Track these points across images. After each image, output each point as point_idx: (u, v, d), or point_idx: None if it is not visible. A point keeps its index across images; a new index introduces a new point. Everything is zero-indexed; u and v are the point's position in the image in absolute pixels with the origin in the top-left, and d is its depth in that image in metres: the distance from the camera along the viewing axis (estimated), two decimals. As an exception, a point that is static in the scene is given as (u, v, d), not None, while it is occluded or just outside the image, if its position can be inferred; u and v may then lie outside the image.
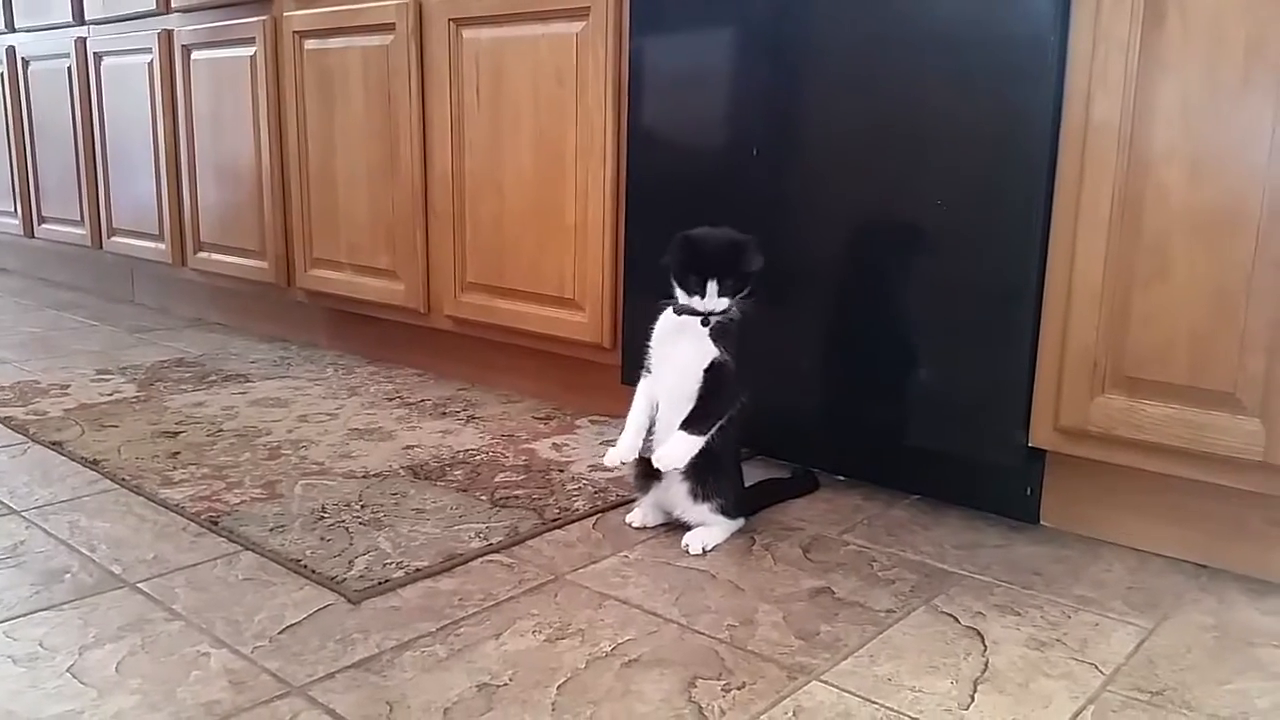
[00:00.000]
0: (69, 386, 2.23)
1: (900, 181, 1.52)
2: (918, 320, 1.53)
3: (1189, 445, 1.33)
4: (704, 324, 1.39)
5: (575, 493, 1.63)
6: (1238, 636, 1.22)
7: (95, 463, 1.72)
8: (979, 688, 1.09)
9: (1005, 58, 1.41)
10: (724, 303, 1.38)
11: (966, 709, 1.05)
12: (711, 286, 1.36)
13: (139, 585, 1.28)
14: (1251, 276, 1.28)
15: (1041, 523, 1.54)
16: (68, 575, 1.31)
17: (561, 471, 1.73)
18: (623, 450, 1.42)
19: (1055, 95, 1.38)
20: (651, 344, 1.44)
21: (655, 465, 1.38)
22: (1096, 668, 1.14)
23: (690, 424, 1.37)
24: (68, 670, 1.08)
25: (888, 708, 1.05)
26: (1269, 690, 1.10)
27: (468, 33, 2.08)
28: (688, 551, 1.42)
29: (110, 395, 2.16)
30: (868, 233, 1.57)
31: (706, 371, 1.38)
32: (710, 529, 1.45)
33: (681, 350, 1.40)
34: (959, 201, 1.46)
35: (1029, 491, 1.54)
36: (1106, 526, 1.49)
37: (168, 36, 2.79)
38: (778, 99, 1.65)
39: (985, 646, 1.18)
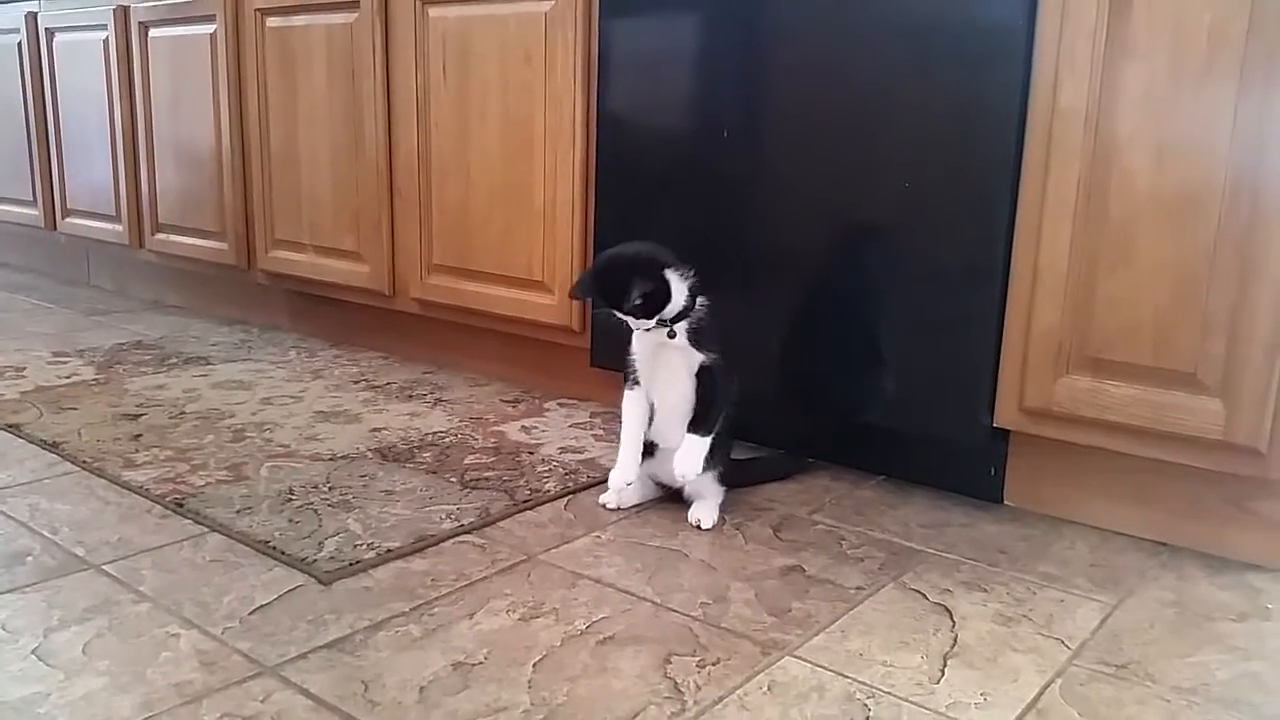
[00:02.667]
0: (24, 369, 2.18)
1: (868, 165, 1.54)
2: (885, 303, 1.55)
3: (1151, 425, 1.36)
4: (670, 336, 1.39)
5: (546, 474, 1.62)
6: (1197, 612, 1.25)
7: (55, 445, 1.69)
8: (949, 662, 1.11)
9: (973, 43, 1.42)
10: (647, 323, 1.38)
11: (937, 683, 1.07)
12: (623, 315, 1.38)
13: (104, 567, 1.26)
14: (1213, 260, 1.30)
15: (1005, 502, 1.57)
16: (29, 558, 1.28)
17: (531, 454, 1.72)
18: (625, 471, 1.43)
19: (1023, 81, 1.40)
20: (634, 356, 1.44)
21: (679, 478, 1.40)
22: (1063, 642, 1.16)
23: (697, 426, 1.40)
24: (33, 653, 1.06)
25: (860, 681, 1.06)
26: (1227, 663, 1.13)
27: (434, 11, 2.05)
28: (699, 527, 1.44)
29: (68, 378, 2.12)
30: (836, 216, 1.58)
31: (698, 376, 1.41)
32: (709, 501, 1.47)
33: (666, 361, 1.42)
34: (926, 185, 1.48)
35: (993, 471, 1.56)
36: (1069, 505, 1.52)
37: (124, 13, 2.73)
38: (748, 82, 1.65)
39: (954, 622, 1.20)
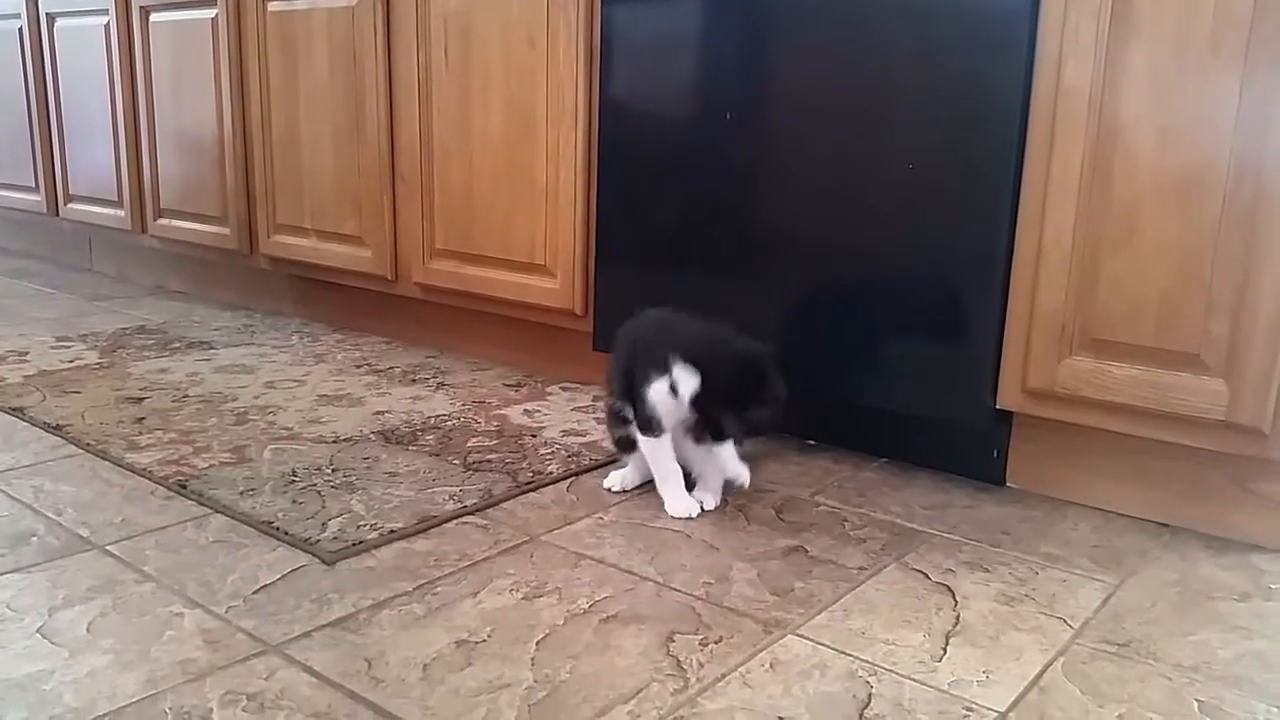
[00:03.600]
0: (28, 353, 2.18)
1: (871, 147, 1.53)
2: (888, 286, 1.55)
3: (1154, 405, 1.35)
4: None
5: (548, 457, 1.63)
6: (1199, 591, 1.25)
7: (58, 428, 1.69)
8: (951, 640, 1.11)
9: (977, 23, 1.42)
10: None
11: (940, 661, 1.07)
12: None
13: (108, 547, 1.27)
14: (1217, 241, 1.30)
15: (1008, 484, 1.57)
16: (34, 538, 1.29)
17: (534, 436, 1.72)
18: (688, 504, 1.42)
19: (1026, 61, 1.39)
20: (658, 412, 1.39)
21: (744, 485, 1.42)
22: (1065, 621, 1.17)
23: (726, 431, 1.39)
24: (38, 631, 1.06)
25: (862, 659, 1.07)
26: (1229, 641, 1.13)
27: (436, -6, 2.05)
28: (703, 507, 1.43)
29: (71, 362, 2.12)
30: (839, 198, 1.58)
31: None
32: (713, 481, 1.46)
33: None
34: (930, 167, 1.48)
35: (995, 454, 1.56)
36: (1072, 487, 1.52)
37: (125, -3, 2.72)
38: (752, 65, 1.65)
39: (956, 601, 1.20)
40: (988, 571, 1.28)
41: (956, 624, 1.15)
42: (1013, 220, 1.43)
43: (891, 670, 1.05)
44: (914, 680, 1.03)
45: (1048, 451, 1.53)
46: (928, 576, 1.26)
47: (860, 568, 1.28)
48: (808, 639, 1.10)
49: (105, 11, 2.78)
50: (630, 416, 1.42)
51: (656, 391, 1.36)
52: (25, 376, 2.00)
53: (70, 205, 3.11)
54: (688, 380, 1.33)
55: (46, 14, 3.00)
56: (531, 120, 1.93)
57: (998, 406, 1.48)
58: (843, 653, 1.08)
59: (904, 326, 1.54)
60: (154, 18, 2.67)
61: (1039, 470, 1.54)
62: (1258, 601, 1.23)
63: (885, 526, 1.41)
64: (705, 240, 1.66)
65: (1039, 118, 1.40)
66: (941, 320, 1.49)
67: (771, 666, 1.05)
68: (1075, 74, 1.36)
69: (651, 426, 1.39)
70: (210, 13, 2.49)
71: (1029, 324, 1.43)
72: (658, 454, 1.42)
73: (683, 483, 1.44)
